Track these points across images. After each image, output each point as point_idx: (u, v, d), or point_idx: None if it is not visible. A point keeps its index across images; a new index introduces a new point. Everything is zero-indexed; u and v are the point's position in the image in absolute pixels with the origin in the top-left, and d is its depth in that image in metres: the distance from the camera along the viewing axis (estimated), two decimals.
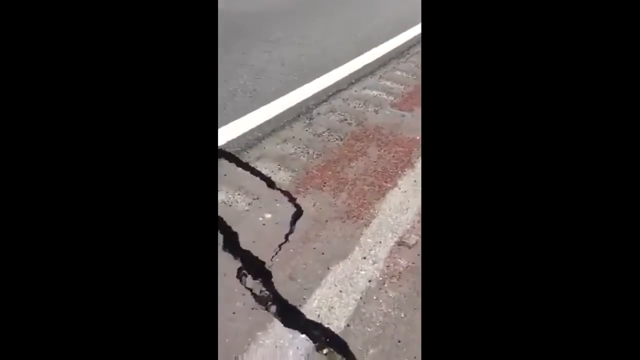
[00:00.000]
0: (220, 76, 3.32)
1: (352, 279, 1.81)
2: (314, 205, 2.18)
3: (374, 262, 1.89)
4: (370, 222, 2.10)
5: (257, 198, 2.22)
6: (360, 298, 1.73)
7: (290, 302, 1.72)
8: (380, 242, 2.00)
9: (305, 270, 1.85)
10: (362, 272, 1.84)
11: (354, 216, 2.13)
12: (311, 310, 1.68)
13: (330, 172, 2.41)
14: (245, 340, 1.58)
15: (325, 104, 3.14)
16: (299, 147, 2.61)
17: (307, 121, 2.90)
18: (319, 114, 3.01)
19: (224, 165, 2.42)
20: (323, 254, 1.93)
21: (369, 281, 1.80)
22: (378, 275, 1.83)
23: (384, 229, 2.06)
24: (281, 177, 2.36)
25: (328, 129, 2.84)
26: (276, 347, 1.56)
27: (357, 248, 1.96)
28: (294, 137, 2.72)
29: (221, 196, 2.21)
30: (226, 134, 2.66)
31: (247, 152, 2.54)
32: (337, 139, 2.74)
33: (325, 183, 2.34)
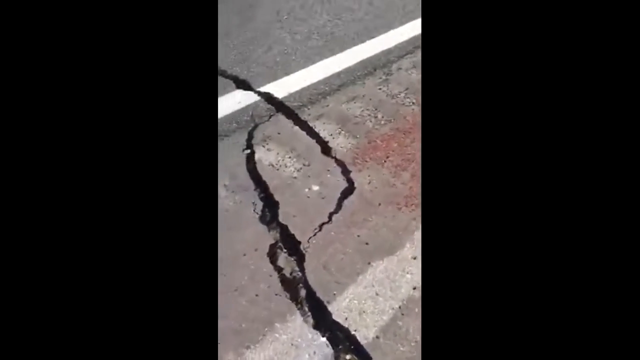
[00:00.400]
0: (297, 14, 3.00)
1: (395, 282, 1.57)
2: (369, 182, 1.91)
3: None
4: None
5: (308, 164, 1.99)
6: (399, 307, 1.50)
7: (318, 295, 1.54)
8: None
9: (342, 261, 1.64)
10: (408, 276, 1.59)
11: (413, 204, 1.83)
12: (339, 310, 1.49)
13: (396, 145, 2.09)
14: (262, 329, 1.45)
15: (410, 57, 2.72)
16: (367, 109, 2.29)
17: (383, 77, 2.53)
18: (399, 69, 2.61)
19: (279, 122, 2.20)
20: (367, 244, 1.69)
21: (414, 288, 1.55)
22: None
23: None
24: (339, 143, 2.10)
25: (406, 90, 2.45)
26: (292, 345, 1.41)
27: (408, 245, 1.69)
28: (364, 95, 2.38)
29: (270, 157, 2.02)
30: (288, 86, 2.41)
31: (308, 109, 2.28)
32: (413, 103, 2.36)
33: (387, 157, 2.03)
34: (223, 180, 1.91)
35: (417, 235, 1.72)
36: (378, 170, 1.97)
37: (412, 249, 1.67)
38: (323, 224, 1.75)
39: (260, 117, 2.21)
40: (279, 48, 2.69)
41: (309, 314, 1.50)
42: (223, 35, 2.72)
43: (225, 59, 2.56)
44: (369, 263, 1.63)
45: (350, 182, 1.92)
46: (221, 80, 2.41)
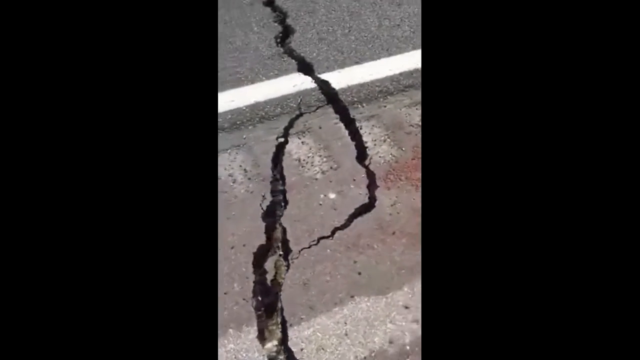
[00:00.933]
0: None
1: (372, 327, 1.37)
2: (392, 204, 1.69)
3: (416, 322, 1.38)
4: None
5: (336, 168, 1.82)
6: (365, 358, 1.31)
7: (285, 313, 1.41)
8: None
9: (326, 284, 1.48)
10: (390, 326, 1.37)
11: None
12: (299, 337, 1.36)
13: None
14: (220, 331, 1.39)
15: None
16: None
17: None
18: None
19: (326, 115, 2.04)
20: (360, 274, 1.50)
21: (390, 342, 1.34)
22: (407, 341, 1.34)
23: None
24: (380, 152, 1.88)
25: None
26: (235, 358, 1.32)
27: (405, 289, 1.46)
28: None
29: (300, 152, 1.89)
30: (351, 77, 2.21)
31: (363, 106, 2.08)
32: None
33: None
34: (245, 164, 1.85)
35: (420, 283, 1.47)
36: (409, 193, 1.72)
37: (408, 296, 1.44)
38: (323, 237, 1.60)
39: (308, 106, 2.08)
40: (360, 33, 2.48)
41: (267, 330, 1.39)
42: (306, 13, 2.60)
43: (298, 39, 2.44)
44: (353, 296, 1.44)
45: (372, 198, 1.72)
46: (285, 61, 2.31)
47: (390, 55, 2.34)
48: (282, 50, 2.39)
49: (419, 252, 1.54)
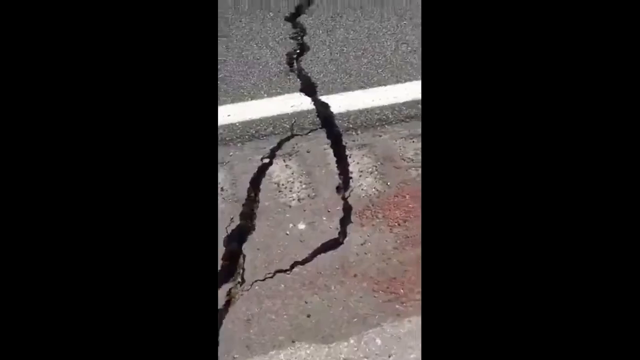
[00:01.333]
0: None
1: None
2: (362, 244, 1.56)
3: None
4: (406, 318, 1.37)
5: (314, 197, 1.73)
6: None
7: (220, 347, 1.34)
8: (391, 357, 1.30)
9: (270, 323, 1.39)
10: None
11: (394, 293, 1.43)
12: None
13: None
14: None
15: None
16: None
17: None
18: None
19: (316, 139, 1.95)
20: (309, 316, 1.39)
21: None
22: None
23: (410, 341, 1.32)
24: (362, 185, 1.76)
25: None
26: None
27: (352, 340, 1.33)
28: None
29: (281, 176, 1.82)
30: (352, 101, 2.10)
31: (357, 134, 1.97)
32: None
33: (404, 222, 1.62)
34: (224, 184, 1.81)
35: (372, 336, 1.34)
36: (382, 234, 1.60)
37: (353, 348, 1.31)
38: (280, 271, 1.51)
39: (301, 128, 2.01)
40: (374, 56, 2.38)
41: None
42: (324, 32, 2.54)
43: (310, 57, 2.38)
44: (294, 341, 1.34)
45: (342, 234, 1.61)
46: (290, 80, 2.25)
47: (398, 82, 2.21)
48: (289, 68, 2.34)
49: (377, 300, 1.42)
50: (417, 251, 1.53)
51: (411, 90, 2.14)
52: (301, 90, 2.20)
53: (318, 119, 2.05)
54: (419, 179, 1.77)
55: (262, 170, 1.86)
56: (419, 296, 1.42)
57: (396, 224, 1.62)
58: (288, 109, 2.10)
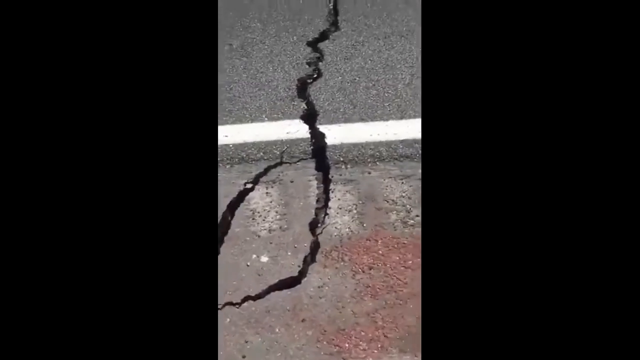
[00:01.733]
0: None
1: None
2: (319, 286, 1.49)
3: None
4: None
5: (285, 229, 1.68)
6: None
7: None
8: None
9: None
10: None
11: (338, 345, 1.33)
12: None
13: (396, 260, 1.54)
14: None
15: None
16: (409, 198, 1.75)
17: None
18: None
19: (303, 170, 1.90)
20: (244, 357, 1.34)
21: None
22: None
23: None
24: (337, 223, 1.68)
25: None
26: None
27: None
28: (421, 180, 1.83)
29: (259, 203, 1.78)
30: (349, 134, 2.03)
31: (346, 168, 1.90)
32: None
33: (370, 270, 1.52)
34: None
35: None
36: (343, 279, 1.51)
37: None
38: (230, 303, 1.47)
39: (291, 156, 1.97)
40: (384, 88, 2.30)
41: None
42: (342, 59, 2.50)
43: (320, 84, 2.35)
44: None
45: (302, 273, 1.54)
46: (293, 105, 2.23)
47: (402, 117, 2.12)
48: (297, 93, 2.33)
49: (319, 351, 1.33)
50: (375, 303, 1.43)
51: (413, 128, 2.04)
52: (301, 117, 2.17)
53: (310, 148, 2.01)
54: (398, 224, 1.66)
55: (242, 195, 1.84)
56: (364, 354, 1.31)
57: (360, 269, 1.53)
58: (283, 135, 2.08)
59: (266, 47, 2.74)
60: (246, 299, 1.48)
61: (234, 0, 2.97)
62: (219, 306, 1.46)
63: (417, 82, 2.32)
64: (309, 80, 2.45)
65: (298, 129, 2.10)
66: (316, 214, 1.74)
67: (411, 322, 1.38)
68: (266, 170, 1.93)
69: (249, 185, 1.88)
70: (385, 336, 1.35)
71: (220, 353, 1.37)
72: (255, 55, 2.65)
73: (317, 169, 1.93)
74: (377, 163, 1.93)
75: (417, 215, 1.68)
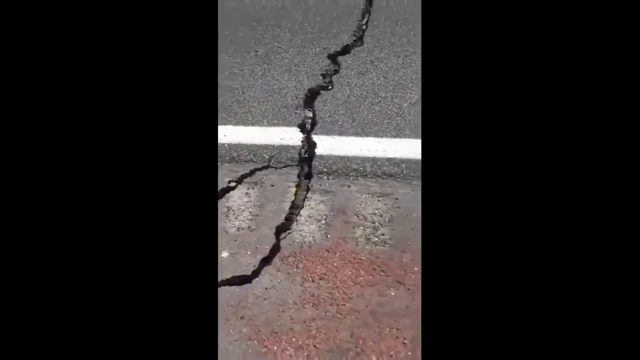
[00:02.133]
0: None
1: None
2: (267, 288, 1.51)
3: None
4: None
5: (253, 230, 1.73)
6: None
7: None
8: None
9: None
10: None
11: (266, 347, 1.35)
12: None
13: (348, 275, 1.53)
14: None
15: None
16: (381, 217, 1.73)
17: None
18: None
19: (286, 176, 1.95)
20: None
21: None
22: None
23: None
24: (303, 231, 1.70)
25: None
26: None
27: None
28: (398, 200, 1.79)
29: (238, 202, 1.85)
30: (340, 147, 2.05)
31: (327, 179, 1.91)
32: None
33: (320, 280, 1.52)
34: None
35: None
36: (292, 284, 1.52)
37: None
38: None
39: (278, 162, 2.02)
40: (388, 106, 2.29)
41: None
42: (357, 74, 2.53)
43: (327, 96, 2.39)
44: None
45: (254, 273, 1.58)
46: (295, 114, 2.29)
47: (397, 136, 2.10)
48: (303, 103, 2.39)
49: (248, 349, 1.36)
50: (314, 313, 1.43)
51: (404, 148, 2.02)
52: (299, 126, 2.22)
53: (298, 156, 2.05)
54: (361, 239, 1.65)
55: (223, 192, 1.92)
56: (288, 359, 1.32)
57: (311, 278, 1.54)
58: (276, 141, 2.14)
59: (288, 56, 2.83)
60: None
61: (271, 10, 3.10)
62: None
63: None
64: (317, 92, 2.50)
65: (292, 137, 2.15)
66: (286, 219, 1.78)
67: (344, 337, 1.37)
68: (252, 172, 2.00)
69: (232, 184, 1.96)
70: (314, 346, 1.35)
71: None
72: (276, 64, 2.75)
73: (300, 176, 1.97)
74: (359, 178, 1.93)
75: (383, 234, 1.66)
